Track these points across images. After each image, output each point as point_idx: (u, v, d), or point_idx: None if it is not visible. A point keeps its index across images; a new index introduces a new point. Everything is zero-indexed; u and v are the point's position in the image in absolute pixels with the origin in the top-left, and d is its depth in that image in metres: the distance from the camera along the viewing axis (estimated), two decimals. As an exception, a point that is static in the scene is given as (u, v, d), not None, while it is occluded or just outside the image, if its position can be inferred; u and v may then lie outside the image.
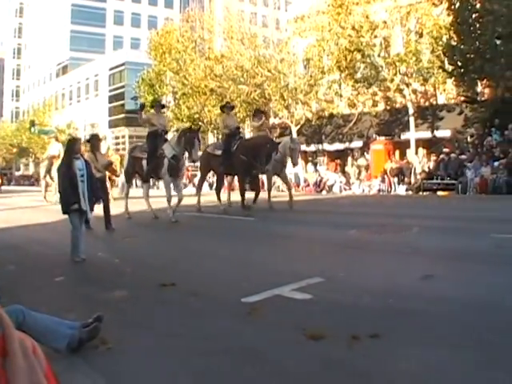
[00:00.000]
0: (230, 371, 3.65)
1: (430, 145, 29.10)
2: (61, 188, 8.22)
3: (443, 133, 29.53)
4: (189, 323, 4.75)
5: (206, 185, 20.90)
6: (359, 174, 29.73)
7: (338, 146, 35.58)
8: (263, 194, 17.04)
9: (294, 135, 29.42)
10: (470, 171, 22.27)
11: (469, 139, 27.24)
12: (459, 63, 24.83)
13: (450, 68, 25.74)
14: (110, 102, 65.83)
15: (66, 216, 8.20)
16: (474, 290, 5.44)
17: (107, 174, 14.28)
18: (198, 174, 31.17)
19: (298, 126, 34.31)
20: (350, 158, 33.53)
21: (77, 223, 8.02)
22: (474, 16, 24.45)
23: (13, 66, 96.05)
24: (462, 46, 24.51)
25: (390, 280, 6.02)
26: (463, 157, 24.34)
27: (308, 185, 30.51)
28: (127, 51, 67.50)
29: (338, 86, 32.41)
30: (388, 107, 32.58)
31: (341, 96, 32.76)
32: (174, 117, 40.27)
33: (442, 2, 26.45)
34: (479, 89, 27.59)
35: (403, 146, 30.24)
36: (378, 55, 29.05)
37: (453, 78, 26.65)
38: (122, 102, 62.82)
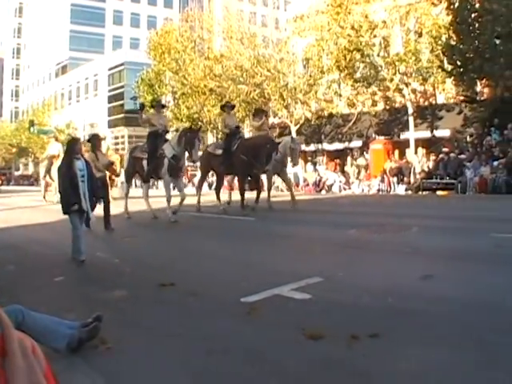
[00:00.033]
0: (230, 371, 3.65)
1: (430, 144, 29.10)
2: (61, 188, 8.21)
3: (442, 132, 29.55)
4: (188, 323, 4.75)
5: (205, 184, 20.87)
6: (358, 173, 29.72)
7: (337, 145, 35.58)
8: (263, 194, 17.03)
9: (294, 135, 29.44)
10: (470, 171, 22.27)
11: (468, 139, 27.25)
12: (458, 63, 24.83)
13: (449, 67, 25.74)
14: (109, 102, 65.83)
15: (65, 216, 8.19)
16: (473, 289, 5.44)
17: (107, 173, 14.27)
18: (198, 173, 31.28)
19: (298, 126, 34.32)
20: (349, 158, 33.55)
21: (77, 223, 7.99)
22: (473, 15, 24.45)
23: (12, 65, 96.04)
24: (461, 46, 24.51)
25: (389, 279, 6.02)
26: (462, 156, 24.35)
27: (307, 184, 30.51)
28: (126, 51, 67.50)
29: (337, 86, 32.43)
30: (387, 107, 32.59)
31: (340, 96, 32.78)
32: (174, 117, 40.25)
33: (441, 2, 26.45)
34: (478, 88, 27.60)
35: (402, 146, 30.25)
36: (378, 55, 29.05)
37: (452, 78, 26.65)
38: (121, 102, 62.82)
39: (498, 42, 23.30)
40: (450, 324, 4.32)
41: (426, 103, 31.24)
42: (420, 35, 28.36)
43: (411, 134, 29.29)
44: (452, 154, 24.59)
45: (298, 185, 29.27)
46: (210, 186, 25.92)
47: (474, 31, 24.37)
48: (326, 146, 36.40)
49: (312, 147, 36.38)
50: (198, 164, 17.61)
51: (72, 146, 8.26)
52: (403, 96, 29.44)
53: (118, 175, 18.70)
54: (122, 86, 62.21)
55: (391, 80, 28.81)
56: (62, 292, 6.22)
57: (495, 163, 21.94)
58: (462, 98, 28.43)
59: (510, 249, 7.47)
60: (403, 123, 31.05)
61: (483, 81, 26.33)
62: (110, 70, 65.75)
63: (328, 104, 34.24)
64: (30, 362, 1.44)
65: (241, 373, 3.61)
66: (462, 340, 3.94)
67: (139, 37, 72.34)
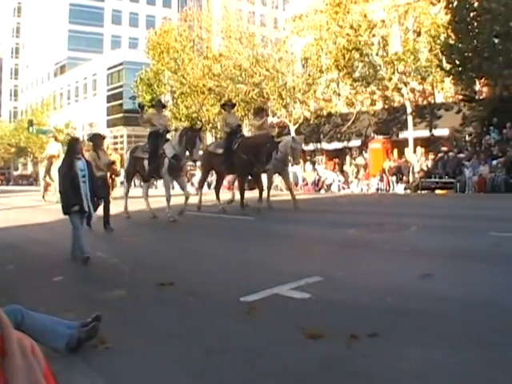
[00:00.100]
0: (229, 370, 3.65)
1: (428, 143, 29.12)
2: (62, 188, 8.20)
3: (441, 131, 29.56)
4: (187, 322, 4.74)
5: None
6: (357, 172, 29.73)
7: (336, 144, 35.59)
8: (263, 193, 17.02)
9: (293, 134, 29.45)
10: (469, 170, 22.28)
11: (467, 138, 27.26)
12: (457, 62, 24.84)
13: (447, 67, 25.75)
14: (108, 102, 65.83)
15: (65, 216, 8.18)
16: (473, 289, 5.44)
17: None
18: (197, 173, 31.27)
19: (297, 125, 34.34)
20: (348, 157, 33.57)
21: (77, 223, 7.97)
22: (471, 15, 24.46)
23: (11, 65, 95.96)
24: (459, 45, 24.52)
25: (388, 279, 6.03)
26: (461, 155, 24.36)
27: (306, 184, 30.50)
28: (125, 51, 67.56)
29: (336, 85, 32.46)
30: (386, 106, 32.61)
31: (339, 95, 32.81)
32: (173, 116, 40.23)
33: (439, 1, 26.47)
34: (477, 87, 27.63)
35: (401, 145, 30.25)
36: (376, 54, 29.05)
37: (451, 77, 26.66)
38: (120, 102, 62.84)
39: (496, 41, 23.32)
40: (450, 323, 4.32)
41: (425, 102, 31.26)
42: (419, 34, 28.39)
43: (410, 133, 29.29)
44: (451, 153, 24.61)
45: (297, 184, 29.27)
46: (209, 185, 25.90)
47: (472, 30, 24.39)
48: (325, 146, 36.41)
49: (311, 146, 36.37)
50: (198, 163, 17.60)
51: (73, 146, 8.24)
52: (402, 95, 29.44)
53: (118, 175, 18.70)
54: (121, 86, 62.22)
55: (390, 79, 28.82)
56: (61, 292, 6.22)
57: (494, 162, 21.96)
58: (460, 97, 28.46)
59: (509, 248, 7.47)
60: (402, 122, 31.07)
61: (482, 80, 26.34)
62: (108, 69, 65.75)
63: (327, 103, 34.27)
64: (30, 362, 1.44)
65: (240, 372, 3.60)
66: (461, 339, 3.94)
67: (138, 36, 72.31)
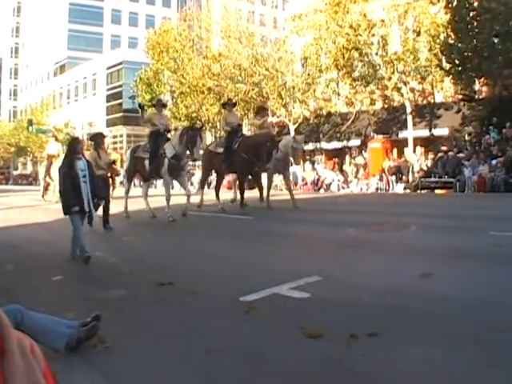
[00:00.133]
0: (229, 370, 3.65)
1: (428, 143, 29.13)
2: (62, 189, 8.18)
3: (441, 131, 29.59)
4: (187, 322, 4.74)
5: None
6: (357, 172, 29.74)
7: (335, 144, 35.62)
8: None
9: (292, 134, 29.46)
10: (468, 169, 22.29)
11: (466, 137, 27.29)
12: (457, 61, 24.86)
13: (447, 66, 25.77)
14: (107, 101, 65.87)
15: (64, 216, 8.18)
16: (473, 288, 5.43)
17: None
18: (197, 172, 31.28)
19: (296, 125, 34.37)
20: (347, 157, 33.58)
21: (78, 224, 7.95)
22: (471, 14, 24.49)
23: (10, 65, 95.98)
24: (459, 45, 24.54)
25: (388, 278, 6.02)
26: (461, 155, 24.37)
27: (306, 183, 30.51)
28: (125, 50, 67.60)
29: (335, 85, 32.51)
30: (386, 105, 32.62)
31: (338, 94, 32.84)
32: (172, 116, 40.24)
33: (439, 1, 26.50)
34: (477, 87, 27.66)
35: (401, 145, 30.27)
36: (376, 54, 29.08)
37: (450, 77, 26.69)
38: (119, 101, 62.91)
39: (496, 40, 23.34)
40: (450, 323, 4.32)
41: (425, 102, 31.28)
42: (418, 34, 28.39)
43: (410, 133, 29.31)
44: (450, 153, 24.62)
45: (296, 184, 29.28)
46: (208, 185, 25.89)
47: (472, 30, 24.41)
48: (325, 145, 36.43)
49: (310, 146, 36.40)
50: (199, 163, 17.60)
51: (73, 146, 8.20)
52: (401, 95, 29.45)
53: (118, 174, 18.69)
54: (121, 85, 62.27)
55: (389, 79, 28.84)
56: (60, 291, 6.21)
57: (493, 162, 21.98)
58: (460, 96, 28.48)
59: (509, 247, 7.47)
60: (401, 122, 31.09)
61: (481, 79, 26.37)
62: (108, 69, 65.77)
63: (326, 103, 34.30)
64: (29, 362, 1.44)
65: (240, 372, 3.60)
66: (461, 339, 3.93)
67: (137, 36, 72.33)
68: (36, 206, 20.75)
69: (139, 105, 17.31)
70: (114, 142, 58.94)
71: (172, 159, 13.50)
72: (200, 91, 39.36)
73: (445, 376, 3.33)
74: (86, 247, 7.77)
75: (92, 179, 8.17)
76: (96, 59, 69.86)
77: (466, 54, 24.30)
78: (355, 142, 34.21)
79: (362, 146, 32.68)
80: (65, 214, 8.05)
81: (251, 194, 16.80)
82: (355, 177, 29.42)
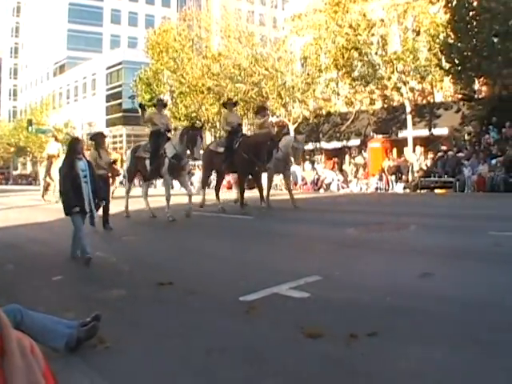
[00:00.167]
0: (228, 370, 3.65)
1: (428, 143, 29.12)
2: (62, 189, 8.17)
3: (440, 131, 29.60)
4: (187, 322, 4.74)
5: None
6: (357, 172, 29.72)
7: (335, 144, 35.62)
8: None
9: (292, 133, 29.47)
10: (468, 169, 22.29)
11: (466, 137, 27.30)
12: (456, 61, 24.86)
13: (447, 66, 25.77)
14: (107, 101, 65.86)
15: (64, 215, 8.17)
16: (473, 288, 5.43)
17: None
18: (197, 172, 31.25)
19: (296, 125, 34.36)
20: (347, 156, 33.55)
21: (79, 224, 7.91)
22: (471, 14, 24.48)
23: (10, 65, 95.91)
24: (459, 44, 24.54)
25: (388, 278, 6.02)
26: (461, 154, 24.37)
27: (306, 183, 30.50)
28: (124, 50, 67.56)
29: (335, 85, 32.50)
30: (385, 105, 32.60)
31: (338, 94, 32.83)
32: (172, 116, 40.21)
33: (438, 0, 26.47)
34: (476, 86, 27.66)
35: (400, 144, 30.25)
36: (376, 53, 29.06)
37: (450, 76, 26.68)
38: (119, 101, 62.90)
39: (495, 40, 23.34)
40: (449, 323, 4.32)
41: (424, 101, 31.27)
42: (418, 34, 28.38)
43: (409, 133, 29.31)
44: (450, 153, 24.61)
45: (296, 183, 29.27)
46: (208, 184, 25.85)
47: (471, 29, 24.41)
48: (324, 145, 36.43)
49: (310, 146, 36.39)
50: (198, 163, 17.59)
51: (73, 146, 8.16)
52: (401, 94, 29.43)
53: (118, 174, 18.68)
54: (120, 85, 62.25)
55: (389, 78, 28.83)
56: (60, 291, 6.21)
57: (493, 161, 21.97)
58: (459, 96, 28.49)
59: (509, 247, 7.47)
60: (401, 121, 31.09)
61: (481, 79, 26.36)
62: (107, 69, 65.75)
63: (326, 103, 34.30)
64: (29, 362, 1.44)
65: (240, 372, 3.60)
66: (461, 339, 3.93)
67: (137, 36, 72.29)
68: (36, 206, 20.75)
69: (140, 104, 17.30)
70: (114, 142, 58.90)
71: (172, 159, 13.48)
72: (199, 91, 39.35)
73: (444, 376, 3.34)
74: (87, 248, 7.74)
75: (93, 179, 8.15)
76: (95, 59, 69.84)
77: (465, 53, 24.30)
78: (355, 141, 34.21)
79: (362, 146, 32.68)
80: (66, 214, 8.03)
81: (251, 193, 16.80)
82: (355, 176, 29.40)
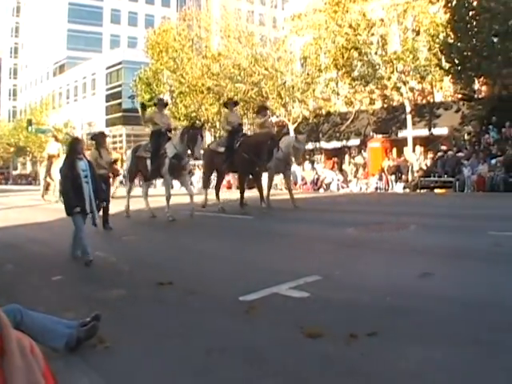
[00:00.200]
0: (228, 370, 3.65)
1: (427, 142, 29.12)
2: (63, 190, 8.15)
3: (440, 130, 29.60)
4: (187, 322, 4.74)
5: (201, 183, 20.78)
6: (356, 171, 29.72)
7: (335, 143, 35.62)
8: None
9: (292, 133, 29.47)
10: (467, 169, 22.27)
11: (466, 137, 27.31)
12: (456, 61, 24.85)
13: (446, 66, 25.76)
14: (107, 101, 65.84)
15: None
16: (472, 288, 5.43)
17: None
18: (196, 172, 31.24)
19: (296, 124, 34.35)
20: (347, 156, 33.54)
21: (80, 224, 7.90)
22: (470, 14, 24.47)
23: (10, 65, 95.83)
24: (458, 44, 24.53)
25: (387, 278, 6.02)
26: (460, 154, 24.36)
27: (305, 183, 30.49)
28: (124, 50, 67.53)
29: (335, 84, 32.50)
30: (385, 105, 32.58)
31: (338, 94, 32.82)
32: (172, 115, 40.13)
33: (438, 0, 26.47)
34: (476, 86, 27.66)
35: (400, 144, 30.24)
36: (375, 53, 29.05)
37: (450, 76, 26.69)
38: (119, 101, 62.87)
39: (495, 40, 23.34)
40: (449, 323, 4.32)
41: (424, 101, 31.27)
42: (418, 33, 28.37)
43: (409, 132, 29.30)
44: (450, 152, 24.60)
45: (296, 183, 29.27)
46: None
47: (471, 29, 24.40)
48: (324, 145, 36.42)
49: (310, 145, 36.36)
50: (198, 163, 17.56)
51: (74, 146, 8.14)
52: (401, 94, 29.42)
53: (118, 174, 18.66)
54: (120, 85, 62.22)
55: (389, 78, 28.81)
56: (60, 291, 6.21)
57: (493, 161, 21.96)
58: (459, 96, 28.49)
59: (509, 247, 7.46)
60: (401, 121, 31.08)
61: (481, 79, 26.36)
62: (107, 68, 65.73)
63: (326, 102, 34.30)
64: (29, 362, 1.44)
65: (240, 372, 3.60)
66: (461, 339, 3.93)
67: (137, 36, 72.22)
68: (35, 206, 20.75)
69: (142, 104, 17.28)
70: (114, 142, 58.81)
71: (173, 159, 13.46)
72: (199, 91, 39.34)
73: (444, 376, 3.34)
74: (88, 249, 7.74)
75: (94, 179, 8.14)
76: (95, 59, 69.79)
77: (465, 53, 24.30)
78: (355, 141, 34.21)
79: (362, 146, 32.67)
80: (68, 214, 8.01)
81: (251, 193, 16.79)
82: (355, 176, 29.39)
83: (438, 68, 26.77)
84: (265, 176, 16.53)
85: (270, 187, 16.81)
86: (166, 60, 42.59)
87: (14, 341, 1.42)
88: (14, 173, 79.70)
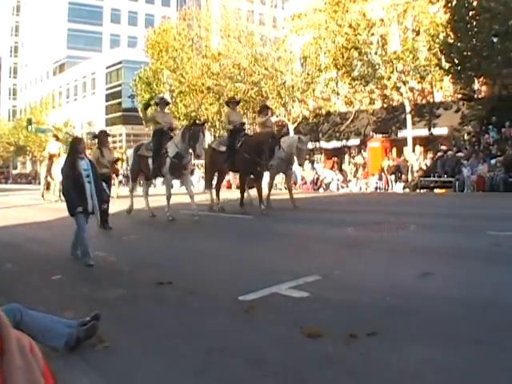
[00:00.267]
0: (228, 370, 3.65)
1: (427, 142, 29.14)
2: (64, 189, 8.13)
3: (440, 130, 29.60)
4: (186, 321, 4.74)
5: (201, 183, 20.76)
6: (356, 171, 29.73)
7: (335, 143, 35.62)
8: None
9: (292, 133, 29.47)
10: (467, 169, 22.27)
11: (466, 137, 27.31)
12: (456, 61, 24.85)
13: (446, 66, 25.76)
14: (107, 101, 65.82)
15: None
16: (472, 288, 5.43)
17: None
18: (196, 172, 31.22)
19: (295, 124, 34.34)
20: (347, 156, 33.57)
21: (82, 224, 7.85)
22: (470, 14, 24.47)
23: (10, 64, 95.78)
24: (458, 44, 24.53)
25: (387, 278, 6.02)
26: (460, 154, 24.36)
27: (305, 183, 30.49)
28: (124, 49, 67.50)
29: (334, 84, 32.48)
30: (385, 105, 32.56)
31: (338, 94, 32.81)
32: (171, 115, 40.21)
33: (438, 0, 26.46)
34: (476, 86, 27.65)
35: (400, 144, 30.25)
36: (375, 53, 29.04)
37: (450, 76, 26.69)
38: (119, 101, 62.85)
39: (495, 40, 23.34)
40: (449, 323, 4.32)
41: (424, 101, 31.26)
42: (418, 33, 28.36)
43: (409, 132, 29.30)
44: (450, 152, 24.61)
45: (295, 183, 29.26)
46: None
47: (471, 29, 24.40)
48: (324, 144, 36.42)
49: (310, 145, 36.31)
50: (197, 162, 17.50)
51: (75, 146, 8.08)
52: (401, 94, 29.41)
53: (118, 174, 18.64)
54: (120, 85, 62.19)
55: (389, 78, 28.81)
56: (60, 291, 6.21)
57: (493, 161, 21.97)
58: (459, 96, 28.48)
59: (508, 247, 7.47)
60: (401, 121, 31.08)
61: (481, 79, 26.36)
62: (107, 68, 65.71)
63: (326, 102, 34.29)
64: (28, 361, 1.44)
65: (239, 371, 3.60)
66: (461, 339, 3.93)
67: (137, 35, 72.18)
68: (35, 205, 20.74)
69: (145, 104, 17.22)
70: (114, 142, 58.77)
71: (174, 158, 13.38)
72: (199, 90, 39.32)
73: (444, 376, 3.33)
74: (89, 250, 7.70)
75: (96, 178, 8.10)
76: (95, 58, 69.74)
77: (465, 53, 24.29)
78: (354, 141, 34.21)
79: (362, 146, 32.68)
80: (71, 215, 7.96)
81: (252, 193, 16.76)
82: (354, 176, 29.40)
83: (437, 68, 26.77)
84: (266, 175, 16.50)
85: (271, 186, 16.79)
86: (165, 59, 42.56)
87: (13, 340, 1.42)
88: (14, 172, 79.68)
